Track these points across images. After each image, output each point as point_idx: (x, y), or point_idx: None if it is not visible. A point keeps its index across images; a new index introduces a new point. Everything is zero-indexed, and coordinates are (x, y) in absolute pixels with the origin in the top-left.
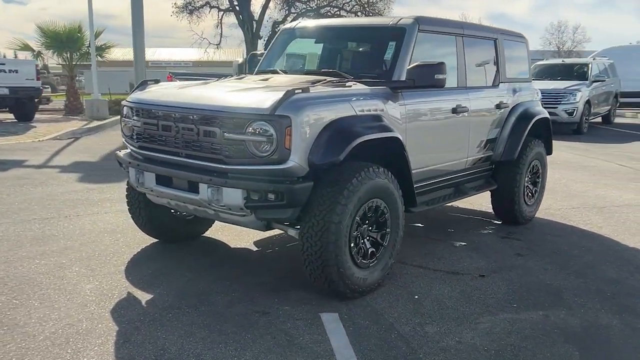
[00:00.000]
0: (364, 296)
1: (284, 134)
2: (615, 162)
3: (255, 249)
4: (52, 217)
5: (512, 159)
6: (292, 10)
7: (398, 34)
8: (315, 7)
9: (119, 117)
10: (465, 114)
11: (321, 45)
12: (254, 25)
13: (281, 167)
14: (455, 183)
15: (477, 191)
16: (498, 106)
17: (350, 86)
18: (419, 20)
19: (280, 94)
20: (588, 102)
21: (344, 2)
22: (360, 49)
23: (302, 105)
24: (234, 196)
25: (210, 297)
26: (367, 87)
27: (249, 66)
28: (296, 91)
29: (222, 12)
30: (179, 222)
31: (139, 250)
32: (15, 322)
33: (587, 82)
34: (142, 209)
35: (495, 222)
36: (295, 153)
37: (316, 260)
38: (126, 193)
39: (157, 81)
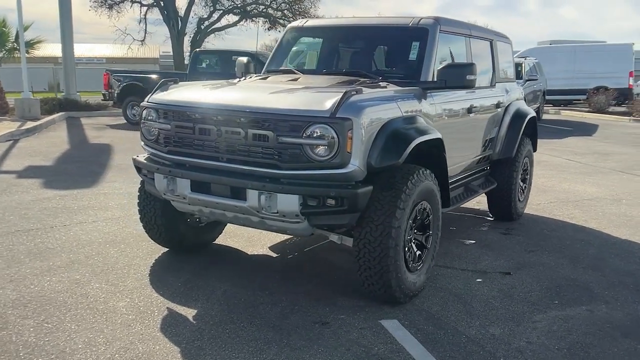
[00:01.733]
0: (413, 300)
1: (346, 137)
2: (563, 157)
3: (274, 254)
4: (36, 228)
5: (511, 156)
6: (217, 7)
7: (421, 34)
8: (241, 4)
9: (52, 117)
10: (477, 113)
11: (334, 45)
12: (180, 22)
13: (342, 171)
14: (465, 182)
15: (484, 190)
16: (497, 106)
17: (386, 87)
18: (439, 21)
19: (336, 95)
20: (524, 99)
21: None
22: (381, 49)
23: (361, 107)
24: (289, 202)
25: (259, 309)
26: (402, 87)
27: (194, 65)
28: (352, 92)
29: (145, 8)
30: (192, 230)
31: (154, 261)
32: (61, 349)
33: (522, 80)
34: (157, 217)
35: (488, 218)
36: (355, 156)
37: (375, 266)
38: (138, 201)
39: (176, 81)
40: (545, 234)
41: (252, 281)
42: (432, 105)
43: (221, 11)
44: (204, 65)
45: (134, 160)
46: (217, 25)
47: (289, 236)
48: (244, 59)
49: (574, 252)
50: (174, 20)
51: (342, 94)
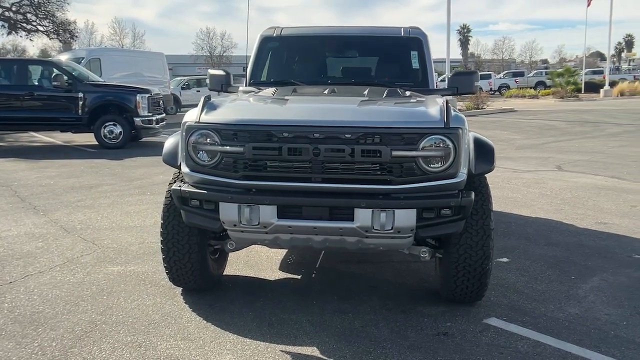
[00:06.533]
0: None
1: (461, 146)
2: None
3: (295, 276)
4: None
5: None
6: None
7: (416, 44)
8: None
9: None
10: None
11: (328, 55)
12: None
13: (454, 181)
14: None
15: None
16: None
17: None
18: (424, 31)
19: (434, 105)
20: None
21: (12, 1)
22: (381, 59)
23: (463, 116)
24: (407, 218)
25: (368, 333)
26: (433, 96)
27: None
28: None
29: None
30: (215, 264)
31: (183, 305)
32: None
33: None
34: (193, 253)
35: None
36: (464, 165)
37: (476, 269)
38: (163, 239)
39: (209, 98)
40: None
41: (320, 306)
42: None
43: None
44: None
45: (179, 191)
46: None
47: (283, 254)
48: (221, 72)
49: (521, 234)
50: None
51: (443, 103)
